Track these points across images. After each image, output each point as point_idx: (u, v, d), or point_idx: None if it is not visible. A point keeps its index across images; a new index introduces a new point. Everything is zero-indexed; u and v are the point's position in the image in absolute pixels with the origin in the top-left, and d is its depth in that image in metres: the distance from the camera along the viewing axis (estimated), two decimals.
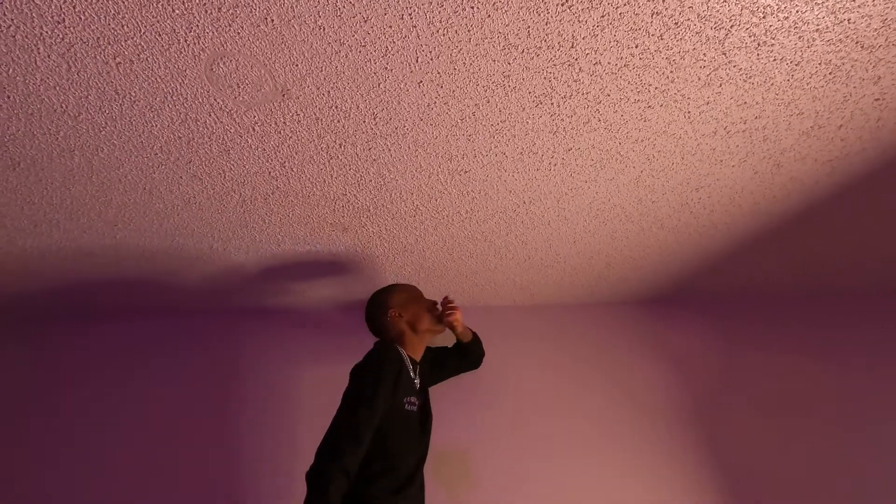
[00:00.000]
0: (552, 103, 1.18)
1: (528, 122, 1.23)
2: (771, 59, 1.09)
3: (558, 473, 1.83)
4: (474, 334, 1.75)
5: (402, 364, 1.38)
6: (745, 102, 1.20)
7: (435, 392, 1.65)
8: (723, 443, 1.90)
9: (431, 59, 1.07)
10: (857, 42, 1.08)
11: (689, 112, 1.21)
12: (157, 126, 1.20)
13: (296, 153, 1.30)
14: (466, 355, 1.73)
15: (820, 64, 1.12)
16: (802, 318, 2.18)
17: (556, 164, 1.38)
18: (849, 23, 1.04)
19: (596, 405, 1.99)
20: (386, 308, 1.52)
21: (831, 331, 2.16)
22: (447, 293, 1.99)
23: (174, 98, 1.12)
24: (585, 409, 1.98)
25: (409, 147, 1.29)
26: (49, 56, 1.02)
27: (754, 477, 1.84)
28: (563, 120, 1.23)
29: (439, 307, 1.60)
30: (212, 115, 1.17)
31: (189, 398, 1.91)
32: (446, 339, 1.78)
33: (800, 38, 1.06)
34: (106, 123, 1.18)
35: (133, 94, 1.11)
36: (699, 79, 1.13)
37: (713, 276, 2.02)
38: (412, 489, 1.30)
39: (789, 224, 1.67)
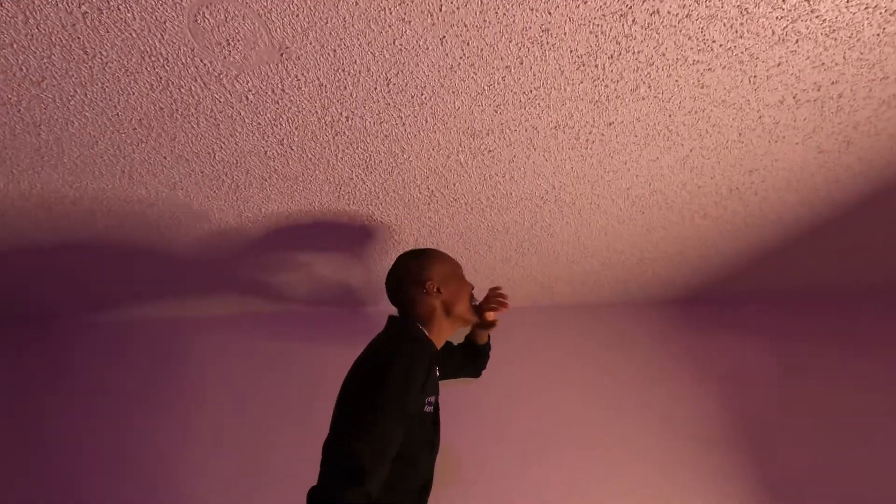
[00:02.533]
0: (596, 65, 1.00)
1: (565, 89, 1.05)
2: (862, 6, 0.91)
3: (583, 499, 1.65)
4: (489, 338, 1.53)
5: (433, 357, 1.10)
6: (823, 63, 1.02)
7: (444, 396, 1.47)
8: (774, 468, 1.71)
9: (458, 9, 0.89)
10: None
11: (755, 76, 1.04)
12: (133, 94, 1.02)
13: (296, 128, 1.13)
14: (475, 359, 1.45)
15: None
16: (861, 320, 1.99)
17: (593, 142, 1.20)
18: None
19: (624, 420, 1.81)
20: (423, 277, 1.21)
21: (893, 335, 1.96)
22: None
23: (152, 58, 0.95)
24: (612, 424, 1.80)
25: (426, 120, 1.12)
26: (1, 4, 0.85)
27: None
28: (607, 86, 1.05)
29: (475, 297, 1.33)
30: (197, 80, 1.00)
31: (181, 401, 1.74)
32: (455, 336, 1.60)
33: None
34: (75, 91, 1.01)
35: (104, 54, 0.94)
36: (773, 33, 0.95)
37: (757, 274, 1.84)
38: (426, 497, 1.10)
39: (850, 212, 1.50)
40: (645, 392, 1.85)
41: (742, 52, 0.99)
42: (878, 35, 0.97)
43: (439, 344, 1.23)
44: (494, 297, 1.32)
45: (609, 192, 1.38)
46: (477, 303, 1.32)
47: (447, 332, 1.25)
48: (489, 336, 1.49)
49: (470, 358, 1.45)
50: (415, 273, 1.22)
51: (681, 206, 1.45)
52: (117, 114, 1.07)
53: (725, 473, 1.71)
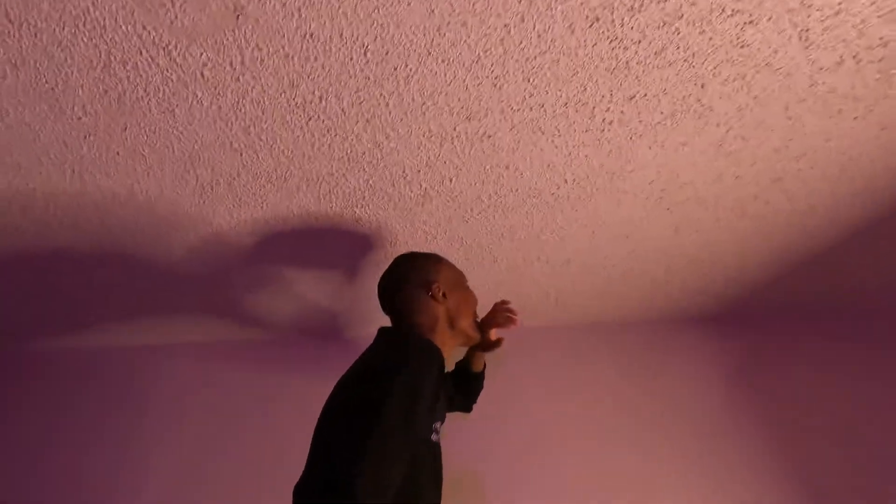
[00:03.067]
0: (613, 20, 0.83)
1: (577, 54, 0.89)
2: None
3: None
4: (485, 365, 1.29)
5: (443, 372, 0.89)
6: (892, 10, 0.84)
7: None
8: None
9: None
10: None
11: (807, 30, 0.86)
12: (73, 73, 0.88)
13: (263, 112, 0.97)
14: (468, 389, 1.24)
15: None
16: None
17: (611, 122, 1.02)
18: None
19: (650, 462, 1.56)
20: (429, 279, 1.03)
21: None
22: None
23: (88, 26, 0.81)
24: (637, 465, 1.55)
25: (412, 99, 0.95)
26: None
27: None
28: (626, 49, 0.88)
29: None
30: (143, 53, 0.85)
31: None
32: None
33: None
34: (4, 71, 0.87)
35: (32, 20, 0.80)
36: None
37: (804, 283, 1.61)
38: None
39: None
40: (675, 431, 1.60)
41: None
42: None
43: None
44: (501, 312, 1.12)
45: (630, 186, 1.19)
46: (479, 319, 1.13)
47: (448, 349, 1.05)
48: (485, 363, 1.27)
49: (462, 388, 1.24)
50: (420, 274, 1.05)
51: (714, 201, 1.25)
52: (56, 98, 0.92)
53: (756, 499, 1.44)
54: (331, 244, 1.33)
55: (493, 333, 1.13)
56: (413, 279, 1.05)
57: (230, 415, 1.60)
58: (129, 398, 1.63)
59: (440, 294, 1.03)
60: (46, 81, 0.89)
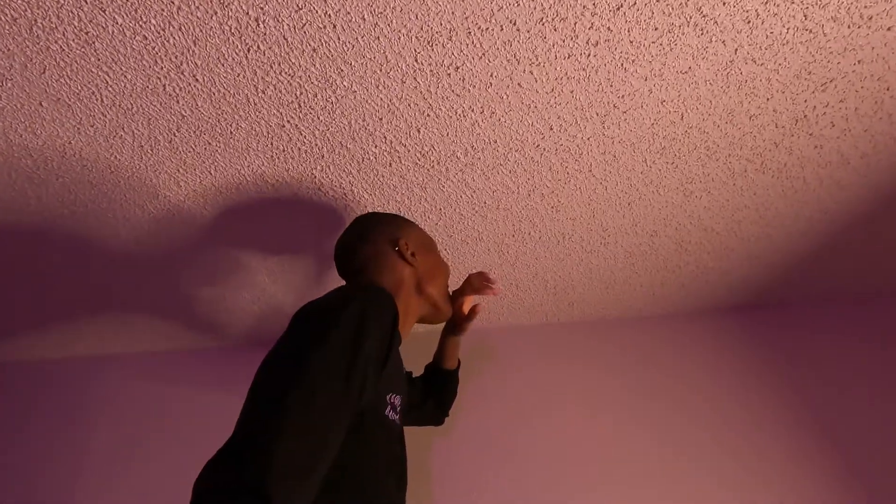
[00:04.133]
0: None
1: None
2: None
3: None
4: (459, 363, 1.12)
5: (396, 327, 0.71)
6: None
7: (451, 437, 1.05)
8: None
9: None
10: None
11: None
12: None
13: (194, 43, 0.85)
14: (442, 391, 1.07)
15: None
16: None
17: (596, 42, 0.87)
18: None
19: (673, 457, 1.32)
20: (396, 235, 0.91)
21: None
22: None
23: None
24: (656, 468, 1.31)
25: (363, 18, 0.83)
26: None
27: None
28: None
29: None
30: None
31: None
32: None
33: None
34: None
35: None
36: None
37: (840, 262, 1.40)
38: None
39: None
40: (699, 415, 1.36)
41: None
42: None
43: (403, 332, 0.85)
44: (477, 277, 0.98)
45: (626, 133, 1.03)
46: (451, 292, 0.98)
47: (411, 319, 0.89)
48: (459, 361, 1.10)
49: (434, 393, 1.06)
50: (385, 229, 0.92)
51: (727, 150, 1.08)
52: None
53: None
54: (293, 217, 1.18)
55: (468, 302, 0.96)
56: (377, 235, 0.91)
57: (188, 427, 1.42)
58: (77, 411, 1.45)
59: (408, 252, 0.90)
60: None
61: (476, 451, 1.35)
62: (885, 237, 1.35)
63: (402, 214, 1.19)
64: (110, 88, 0.91)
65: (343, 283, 1.28)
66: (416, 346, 1.46)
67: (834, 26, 0.86)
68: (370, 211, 1.09)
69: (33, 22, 0.81)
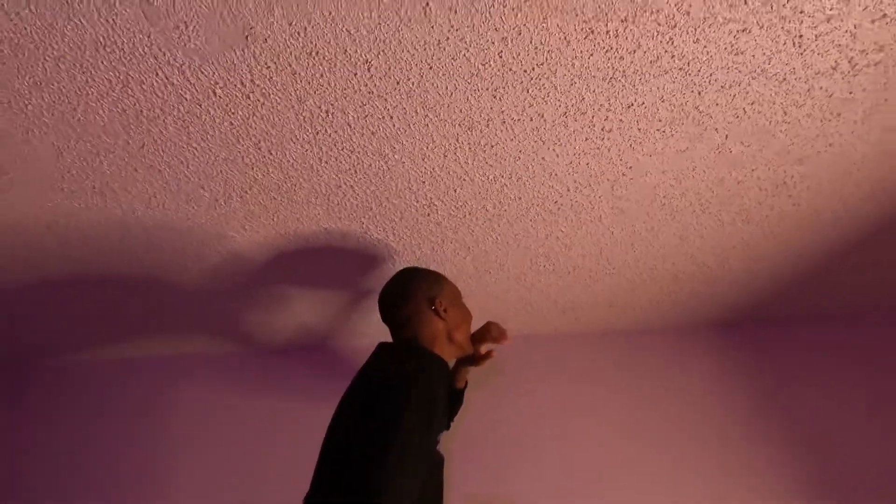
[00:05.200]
0: (608, 31, 0.86)
1: (573, 65, 0.91)
2: None
3: None
4: (466, 383, 1.30)
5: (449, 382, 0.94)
6: (885, 15, 0.85)
7: (466, 436, 1.26)
8: None
9: None
10: None
11: (800, 36, 0.87)
12: (93, 94, 0.93)
13: (272, 127, 1.01)
14: (451, 405, 1.23)
15: None
16: None
17: (610, 130, 1.04)
18: None
19: (666, 464, 1.53)
20: (433, 293, 1.08)
21: None
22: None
23: (107, 50, 0.86)
24: (651, 472, 1.53)
25: (415, 111, 0.99)
26: None
27: None
28: (622, 58, 0.90)
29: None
30: (158, 73, 0.90)
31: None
32: None
33: None
34: (30, 94, 0.92)
35: (55, 47, 0.85)
36: None
37: (813, 288, 1.59)
38: None
39: None
40: (690, 428, 1.58)
41: (783, 6, 0.83)
42: None
43: None
44: (495, 326, 1.16)
45: (632, 193, 1.21)
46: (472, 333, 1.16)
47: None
48: (466, 382, 1.29)
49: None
50: (425, 289, 1.09)
51: (718, 207, 1.26)
52: (78, 119, 0.98)
53: None
54: (340, 255, 1.36)
55: (485, 348, 1.16)
56: (418, 294, 1.08)
57: (248, 422, 1.63)
58: (155, 405, 1.66)
59: (442, 309, 1.08)
60: (69, 102, 0.95)
61: (483, 454, 1.56)
62: (856, 274, 1.54)
63: (435, 251, 1.37)
64: (197, 159, 1.08)
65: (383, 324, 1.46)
66: None
67: (809, 121, 1.03)
68: (409, 266, 1.24)
69: (139, 112, 0.97)
